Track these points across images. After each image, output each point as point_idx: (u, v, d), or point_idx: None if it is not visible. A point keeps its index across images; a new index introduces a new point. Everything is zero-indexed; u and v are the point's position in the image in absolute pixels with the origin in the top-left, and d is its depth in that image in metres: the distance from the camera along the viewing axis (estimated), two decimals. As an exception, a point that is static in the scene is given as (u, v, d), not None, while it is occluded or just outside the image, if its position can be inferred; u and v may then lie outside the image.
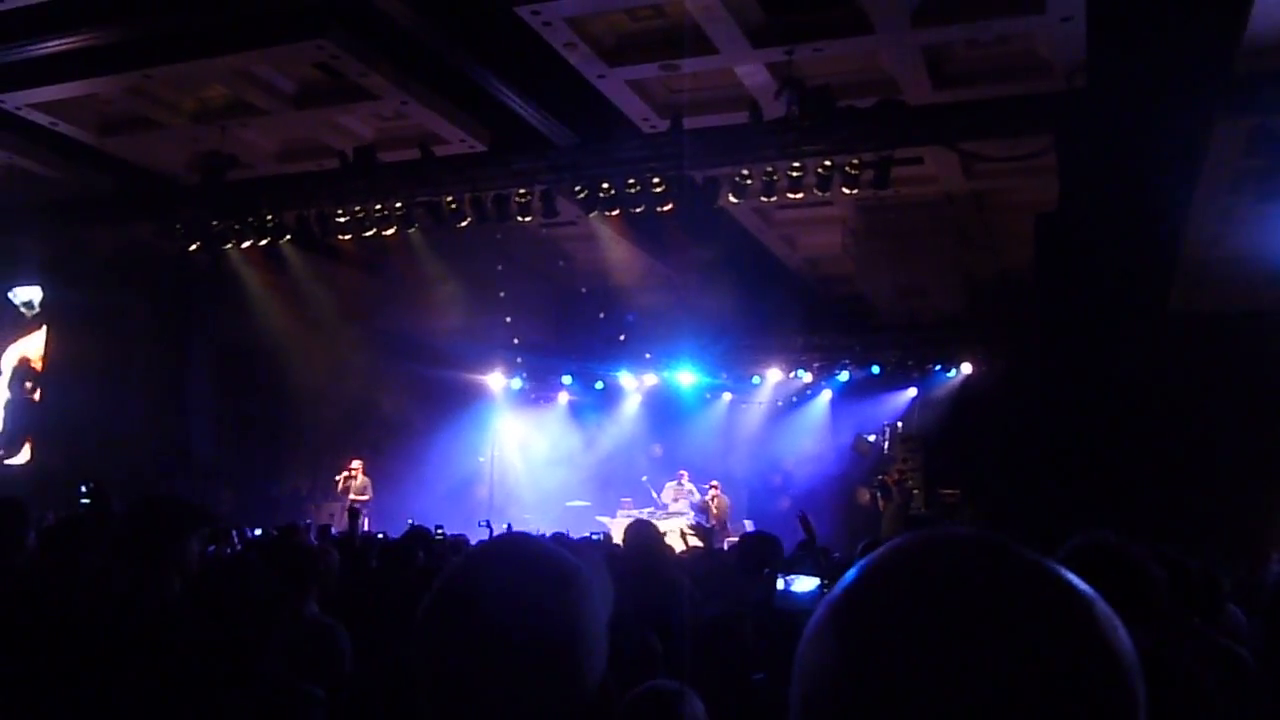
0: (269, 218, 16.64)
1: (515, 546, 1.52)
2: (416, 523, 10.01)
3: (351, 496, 19.11)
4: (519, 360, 22.43)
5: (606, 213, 15.50)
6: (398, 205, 15.96)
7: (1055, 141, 12.82)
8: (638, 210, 15.01)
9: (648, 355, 21.43)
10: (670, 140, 14.09)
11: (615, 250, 18.42)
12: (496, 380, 22.75)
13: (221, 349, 19.99)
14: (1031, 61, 12.44)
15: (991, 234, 17.75)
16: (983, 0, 11.26)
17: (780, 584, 3.84)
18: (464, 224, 15.80)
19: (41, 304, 19.62)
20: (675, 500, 19.32)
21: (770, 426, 21.54)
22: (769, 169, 13.88)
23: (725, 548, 13.30)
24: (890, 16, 11.37)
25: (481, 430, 22.89)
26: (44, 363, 19.71)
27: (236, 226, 16.76)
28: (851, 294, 20.36)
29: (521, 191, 15.38)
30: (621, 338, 21.23)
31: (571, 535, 12.98)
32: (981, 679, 0.83)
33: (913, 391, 20.20)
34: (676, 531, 17.31)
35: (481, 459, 23.00)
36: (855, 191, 14.07)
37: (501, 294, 19.78)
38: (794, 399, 21.56)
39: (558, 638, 1.38)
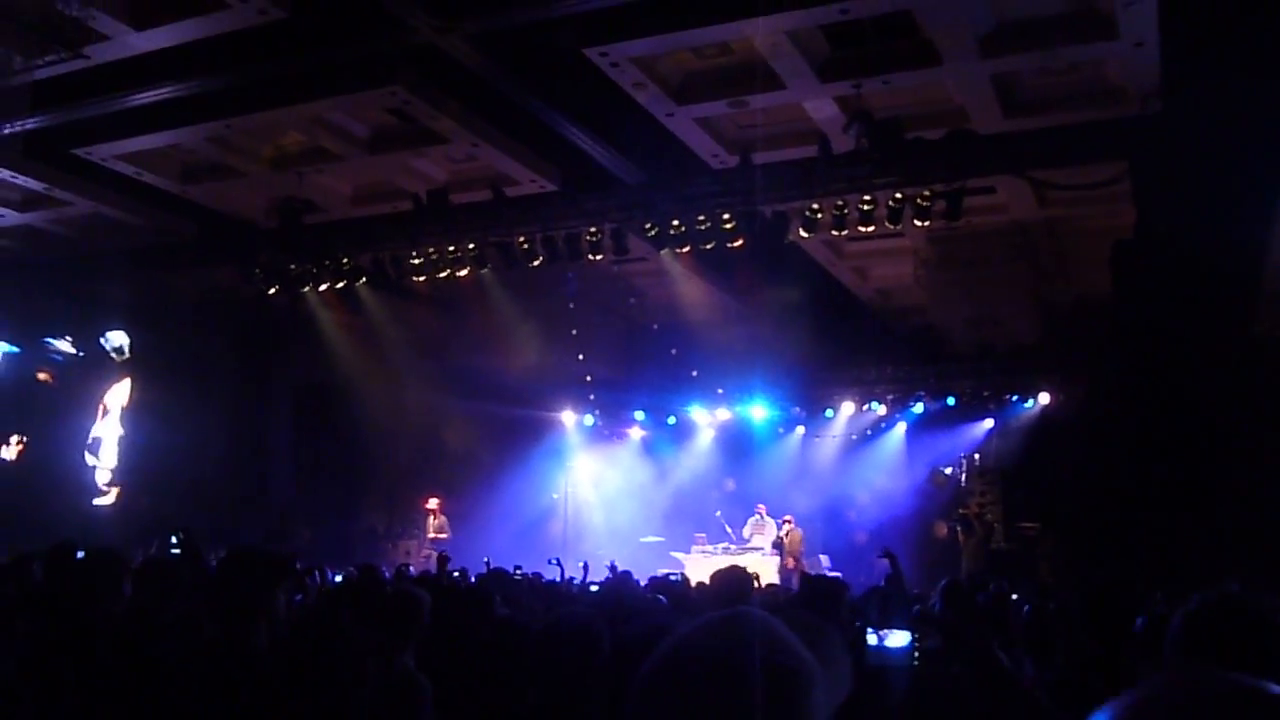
0: (345, 260, 16.93)
1: (745, 631, 1.35)
2: (494, 563, 10.07)
3: (430, 535, 19.28)
4: (591, 397, 22.50)
5: (677, 249, 15.55)
6: (470, 246, 16.14)
7: (1130, 167, 12.63)
8: (708, 246, 15.02)
9: (720, 390, 21.39)
10: (740, 176, 14.12)
11: (686, 286, 18.46)
12: (569, 417, 22.84)
13: (299, 389, 20.35)
14: (1104, 87, 12.29)
15: (1066, 261, 17.50)
16: (1053, 27, 11.16)
17: (872, 639, 3.76)
18: (536, 263, 15.93)
19: (130, 349, 20.11)
20: (754, 535, 19.23)
21: (844, 460, 21.33)
22: (839, 202, 13.82)
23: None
24: (958, 47, 11.32)
25: (555, 467, 22.97)
26: (129, 405, 20.21)
27: (313, 269, 17.06)
28: (924, 324, 20.16)
29: (592, 230, 15.47)
30: (694, 373, 21.21)
31: (642, 572, 12.96)
32: None
33: (989, 423, 19.88)
34: (754, 566, 17.23)
35: (555, 495, 23.06)
36: (927, 223, 13.96)
37: (574, 332, 19.88)
38: (868, 432, 21.34)
39: None
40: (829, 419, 21.30)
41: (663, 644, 1.37)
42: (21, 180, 16.03)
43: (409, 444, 21.24)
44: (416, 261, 16.50)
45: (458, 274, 16.52)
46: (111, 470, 20.30)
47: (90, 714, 3.24)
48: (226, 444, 19.56)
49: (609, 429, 23.51)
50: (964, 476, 19.44)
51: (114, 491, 19.92)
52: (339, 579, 10.01)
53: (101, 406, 20.66)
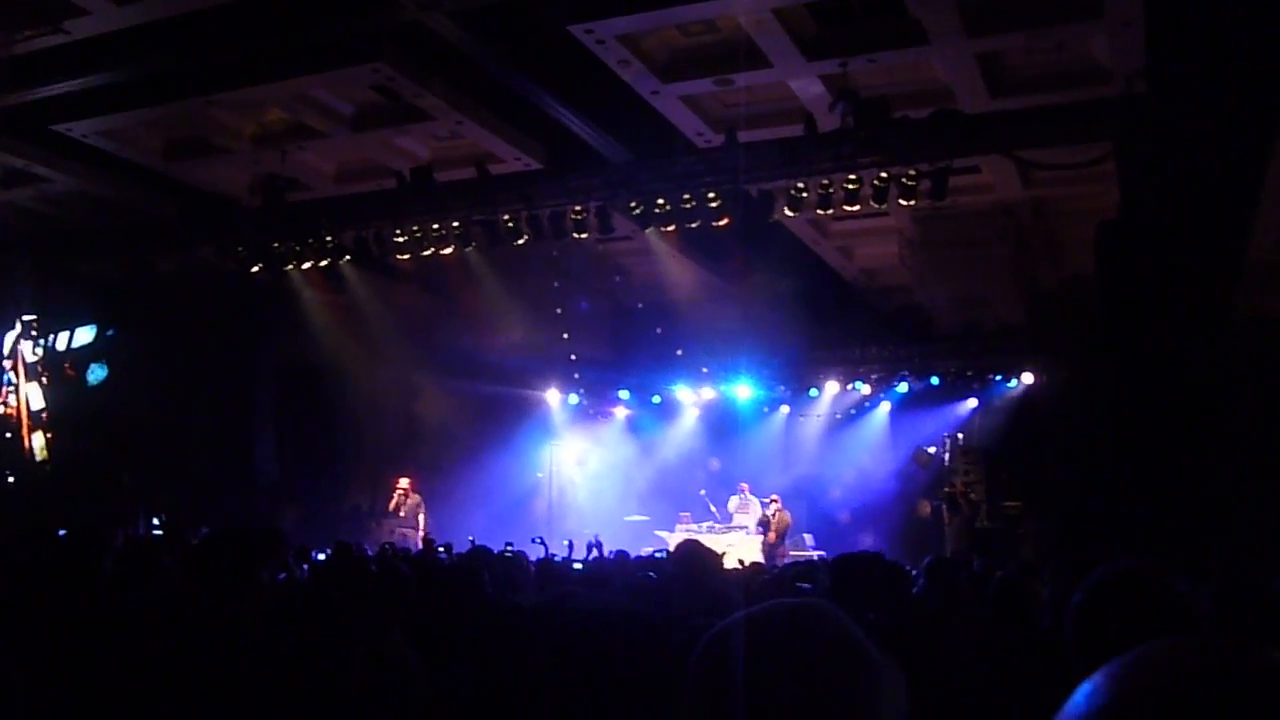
0: (328, 238, 16.84)
1: (813, 621, 1.33)
2: (479, 541, 10.06)
3: (403, 514, 19.28)
4: (576, 376, 22.48)
5: (662, 228, 15.51)
6: (455, 224, 16.08)
7: (1115, 147, 12.65)
8: (693, 225, 15.00)
9: (705, 369, 21.40)
10: (725, 154, 14.09)
11: (671, 265, 18.43)
12: (554, 396, 22.82)
13: (283, 368, 20.27)
14: (1089, 67, 12.29)
15: (1051, 242, 17.54)
16: (1039, 7, 11.16)
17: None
18: (521, 241, 15.88)
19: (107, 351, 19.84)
20: (737, 513, 19.30)
21: (828, 439, 21.40)
22: (825, 181, 13.81)
23: (780, 564, 13.22)
24: (944, 25, 11.29)
25: (539, 446, 22.98)
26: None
27: (297, 248, 16.98)
28: (909, 304, 20.19)
29: (577, 208, 15.43)
30: (679, 352, 21.21)
31: (629, 549, 12.98)
32: None
33: (973, 402, 19.97)
34: (738, 544, 17.32)
35: (540, 474, 23.08)
36: (913, 202, 13.96)
37: (558, 310, 19.85)
38: (852, 411, 21.40)
39: None
40: (813, 398, 21.34)
41: (730, 629, 1.33)
42: (1, 157, 15.88)
43: (393, 423, 21.21)
44: (401, 240, 16.43)
45: (442, 252, 16.46)
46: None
47: (70, 693, 3.22)
48: (210, 423, 19.48)
49: (594, 408, 23.51)
50: (947, 456, 19.50)
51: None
52: (321, 557, 10.00)
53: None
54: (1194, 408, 12.58)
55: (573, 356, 21.72)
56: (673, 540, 17.63)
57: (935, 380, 19.77)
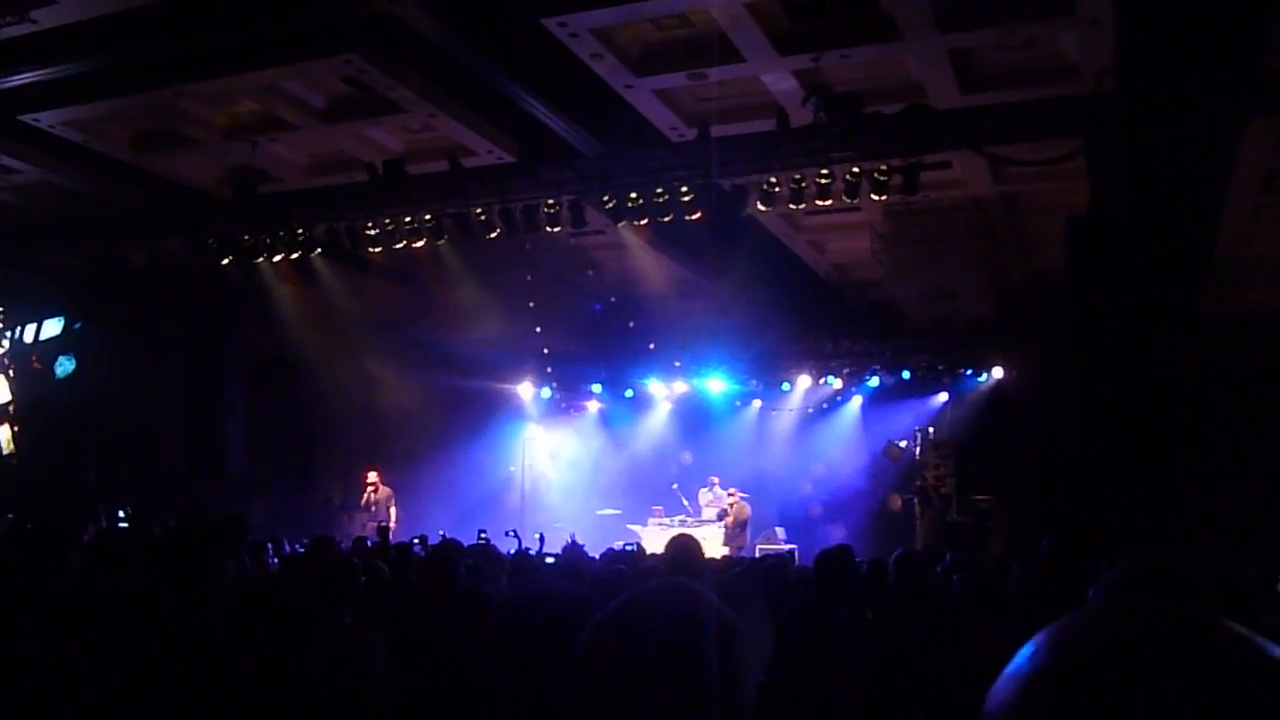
0: (299, 231, 16.75)
1: (679, 596, 1.47)
2: (450, 535, 10.06)
3: (374, 508, 19.22)
4: (549, 369, 22.46)
5: (635, 222, 15.51)
6: (427, 217, 16.02)
7: (1085, 144, 12.74)
8: (666, 219, 15.01)
9: (677, 363, 21.43)
10: (698, 149, 14.10)
11: (644, 259, 18.44)
12: (526, 390, 22.80)
13: (253, 361, 20.16)
14: (1060, 64, 12.37)
15: (1021, 237, 17.65)
16: (1010, 4, 11.21)
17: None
18: (493, 235, 15.85)
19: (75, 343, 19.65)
20: (710, 505, 19.37)
21: (800, 433, 21.49)
22: (797, 176, 13.84)
23: (738, 554, 13.27)
24: (916, 21, 11.34)
25: (512, 440, 22.95)
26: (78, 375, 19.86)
27: (267, 240, 16.87)
28: (881, 299, 20.28)
29: (550, 202, 15.40)
30: (651, 346, 21.22)
31: (598, 544, 13.00)
32: None
33: (944, 396, 20.10)
34: (710, 538, 17.36)
35: (512, 468, 23.05)
36: (884, 197, 14.02)
37: (531, 304, 19.82)
38: (824, 405, 21.50)
39: (714, 692, 1.35)
40: (785, 392, 21.42)
41: (613, 603, 1.46)
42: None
43: (364, 416, 21.13)
44: (372, 232, 16.36)
45: (414, 245, 16.39)
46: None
47: (37, 684, 3.21)
48: (179, 417, 19.36)
49: (566, 401, 23.50)
50: (918, 450, 19.62)
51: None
52: (296, 549, 9.97)
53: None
54: (1162, 402, 12.70)
55: (545, 350, 21.70)
56: (645, 534, 17.70)
57: (906, 374, 19.87)
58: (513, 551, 10.82)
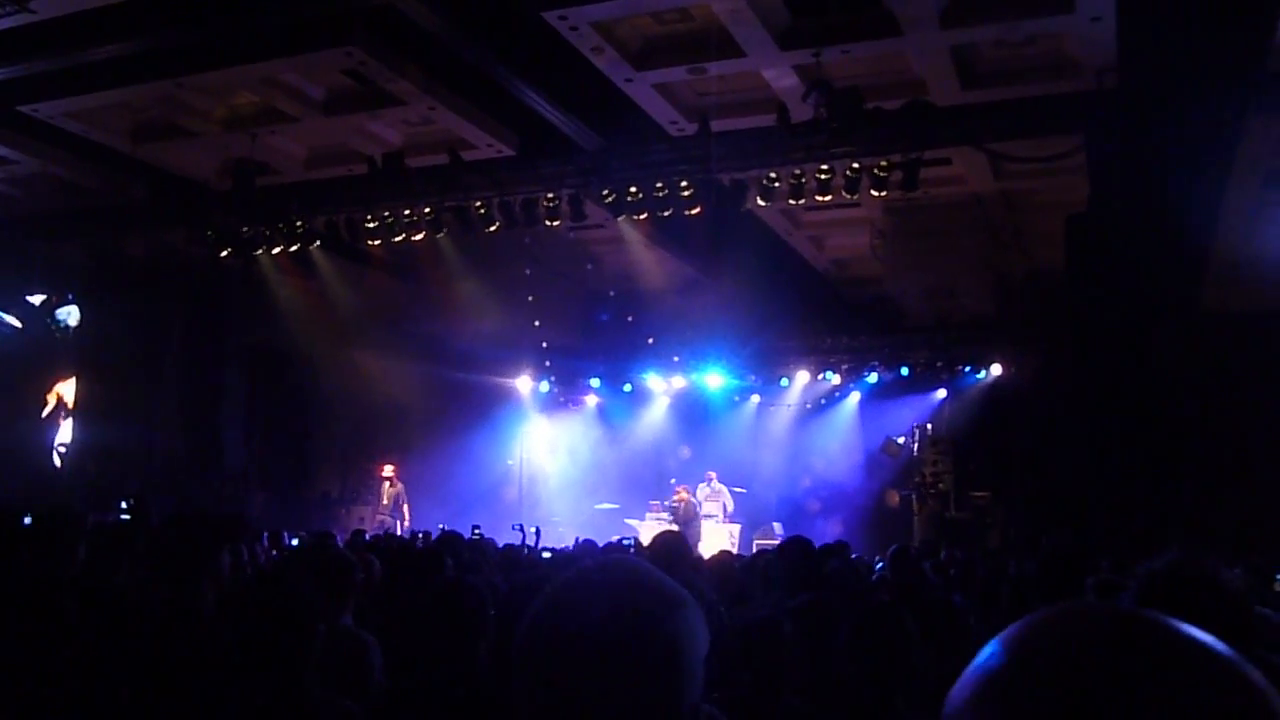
0: (299, 223, 16.73)
1: (622, 569, 1.47)
2: (449, 528, 10.05)
3: (385, 502, 19.23)
4: (547, 363, 22.45)
5: (634, 216, 15.50)
6: (426, 210, 16.01)
7: (1085, 141, 12.74)
8: (665, 214, 14.99)
9: (676, 358, 21.42)
10: (698, 143, 14.08)
11: (643, 254, 18.41)
12: (525, 383, 22.80)
13: (252, 353, 20.15)
14: (1061, 61, 12.37)
15: (1021, 234, 17.64)
16: (1011, 0, 11.21)
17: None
18: (492, 228, 15.83)
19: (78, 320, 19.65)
20: (707, 500, 19.36)
21: (798, 429, 21.47)
22: (797, 171, 13.83)
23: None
24: (918, 17, 11.33)
25: (510, 433, 22.95)
26: (79, 371, 19.86)
27: (267, 232, 16.86)
28: (880, 295, 20.28)
29: (549, 195, 15.39)
30: (650, 340, 21.21)
31: (596, 538, 12.99)
32: None
33: (942, 393, 20.08)
34: (708, 533, 17.37)
35: (510, 462, 23.05)
36: (884, 193, 14.00)
37: (530, 298, 19.80)
38: (822, 401, 21.48)
39: (661, 662, 1.35)
40: (784, 388, 21.41)
41: (545, 589, 1.45)
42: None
43: (363, 409, 21.12)
44: (371, 225, 16.33)
45: (413, 238, 16.37)
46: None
47: (42, 675, 3.21)
48: (178, 409, 19.35)
49: (565, 395, 23.50)
50: (916, 446, 19.61)
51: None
52: (295, 542, 9.97)
53: (55, 396, 20.14)
54: (1161, 399, 12.71)
55: (544, 344, 21.68)
56: (642, 528, 17.71)
57: (905, 371, 19.84)
58: (503, 545, 10.81)
